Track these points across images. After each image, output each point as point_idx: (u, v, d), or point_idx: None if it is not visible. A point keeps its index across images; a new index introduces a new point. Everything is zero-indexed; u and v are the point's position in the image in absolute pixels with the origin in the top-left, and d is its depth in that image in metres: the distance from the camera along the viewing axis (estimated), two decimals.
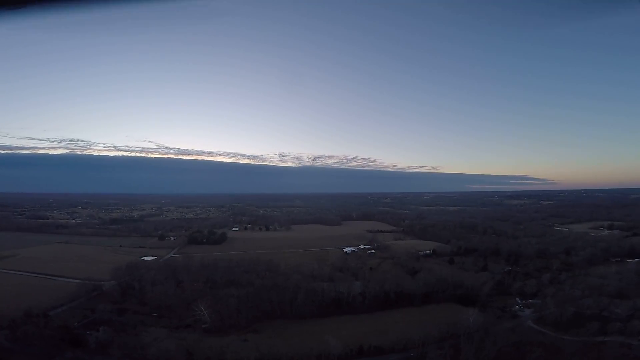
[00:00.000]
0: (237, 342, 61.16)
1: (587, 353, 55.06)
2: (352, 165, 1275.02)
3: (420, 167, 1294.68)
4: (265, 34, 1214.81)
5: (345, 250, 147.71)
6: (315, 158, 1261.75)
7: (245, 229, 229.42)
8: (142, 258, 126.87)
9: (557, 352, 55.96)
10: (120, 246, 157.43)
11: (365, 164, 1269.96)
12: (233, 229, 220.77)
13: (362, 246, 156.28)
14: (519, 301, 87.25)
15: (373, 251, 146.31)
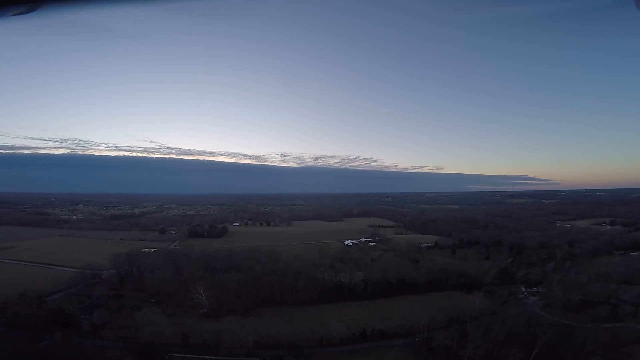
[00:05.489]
0: (234, 325, 59.90)
1: (600, 335, 53.47)
2: (353, 165, 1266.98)
3: (421, 167, 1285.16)
4: (267, 35, 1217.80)
5: (346, 242, 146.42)
6: (317, 158, 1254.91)
7: (246, 224, 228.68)
8: (143, 250, 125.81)
9: (570, 334, 54.43)
10: (121, 239, 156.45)
11: (367, 164, 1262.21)
12: (234, 224, 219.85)
13: (363, 239, 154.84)
14: (524, 289, 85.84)
15: (374, 244, 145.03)
